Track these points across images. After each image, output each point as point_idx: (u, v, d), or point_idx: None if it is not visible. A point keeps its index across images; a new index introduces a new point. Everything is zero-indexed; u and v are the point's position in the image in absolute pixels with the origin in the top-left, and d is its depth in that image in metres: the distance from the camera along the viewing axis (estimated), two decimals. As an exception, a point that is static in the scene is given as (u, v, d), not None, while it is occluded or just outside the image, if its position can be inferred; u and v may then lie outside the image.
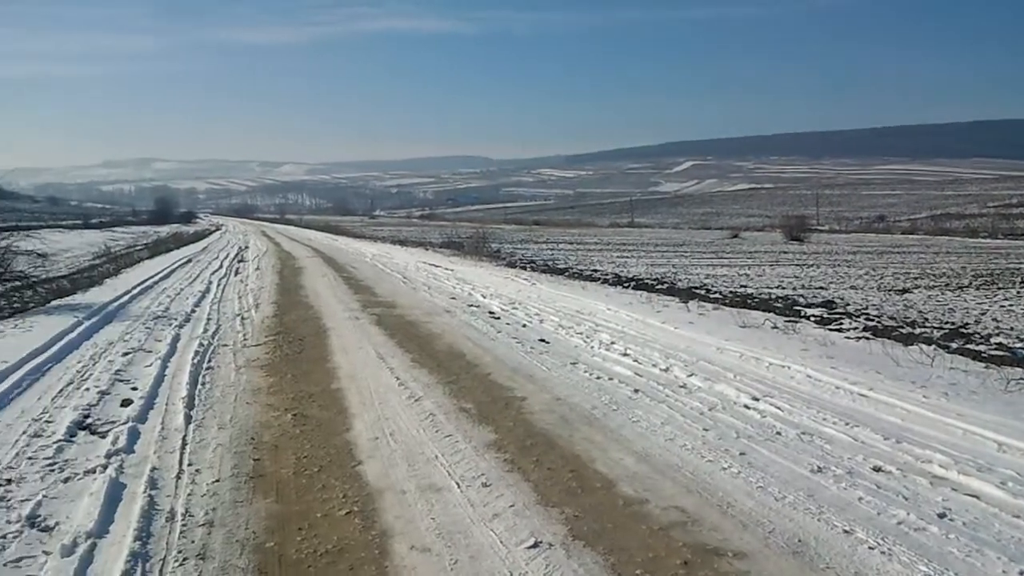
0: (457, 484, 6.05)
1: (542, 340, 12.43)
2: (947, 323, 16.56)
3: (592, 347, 11.76)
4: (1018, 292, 24.37)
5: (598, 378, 9.64)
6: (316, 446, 7.10)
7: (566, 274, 27.77)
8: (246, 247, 42.63)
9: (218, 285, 21.23)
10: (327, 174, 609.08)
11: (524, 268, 30.37)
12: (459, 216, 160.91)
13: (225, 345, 12.18)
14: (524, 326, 13.99)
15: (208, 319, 14.86)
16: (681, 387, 9.16)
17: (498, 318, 14.96)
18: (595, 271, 29.15)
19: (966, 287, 25.92)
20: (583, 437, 7.25)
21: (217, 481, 6.23)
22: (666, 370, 10.05)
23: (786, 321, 14.97)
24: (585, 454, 6.76)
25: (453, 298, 18.33)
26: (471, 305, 16.96)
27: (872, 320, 16.22)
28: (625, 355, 11.07)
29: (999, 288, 25.72)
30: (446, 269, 27.31)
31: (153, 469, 6.41)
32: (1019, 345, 13.55)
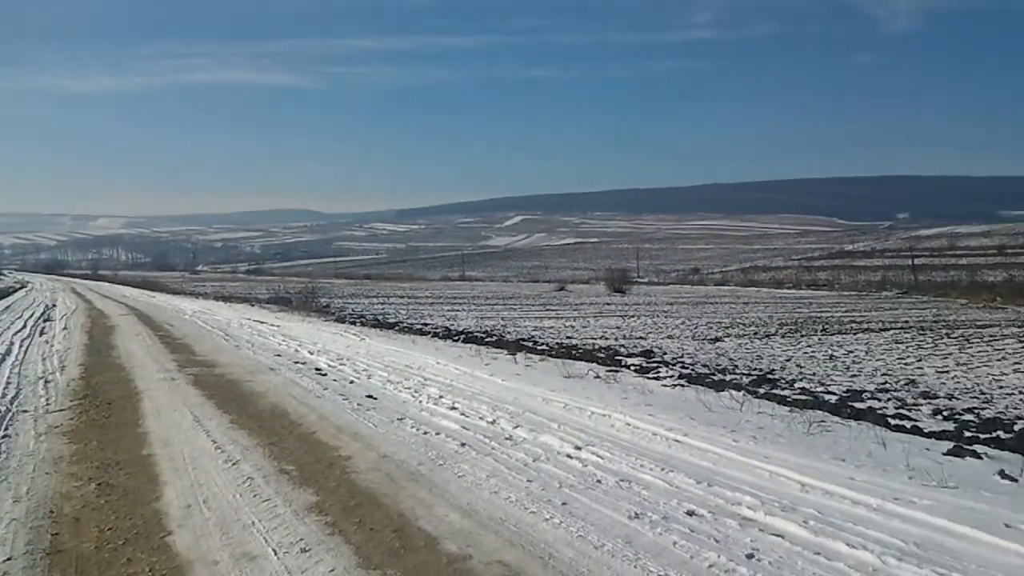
0: (274, 551, 5.81)
1: (370, 396, 12.23)
2: (755, 369, 17.58)
3: (420, 402, 11.68)
4: (819, 339, 26.24)
5: (425, 433, 9.57)
6: (122, 517, 6.64)
7: (396, 328, 27.61)
8: (53, 305, 39.83)
9: (20, 346, 19.67)
10: (147, 227, 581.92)
11: (354, 323, 29.97)
12: (288, 271, 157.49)
13: (25, 411, 11.26)
14: (352, 382, 13.74)
15: (7, 383, 13.72)
16: (507, 439, 9.22)
17: (325, 375, 14.63)
18: (426, 325, 29.14)
19: (773, 335, 27.68)
20: (409, 495, 7.14)
21: (9, 559, 5.71)
22: (493, 422, 10.10)
23: (608, 371, 15.43)
24: (410, 512, 6.66)
25: (278, 355, 17.80)
26: (297, 362, 16.52)
27: (687, 368, 17.00)
28: (453, 408, 11.06)
29: (802, 336, 27.61)
30: (272, 325, 26.53)
31: (-69, 552, 5.80)
32: (820, 389, 14.54)
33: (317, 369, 15.39)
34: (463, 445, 8.91)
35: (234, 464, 8.26)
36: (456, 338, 23.53)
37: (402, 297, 57.25)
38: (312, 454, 8.67)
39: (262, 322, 28.05)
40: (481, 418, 10.38)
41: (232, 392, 12.90)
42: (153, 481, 7.71)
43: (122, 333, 23.96)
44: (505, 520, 6.38)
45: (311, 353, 17.98)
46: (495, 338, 23.46)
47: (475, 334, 24.79)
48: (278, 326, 26.26)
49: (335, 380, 13.97)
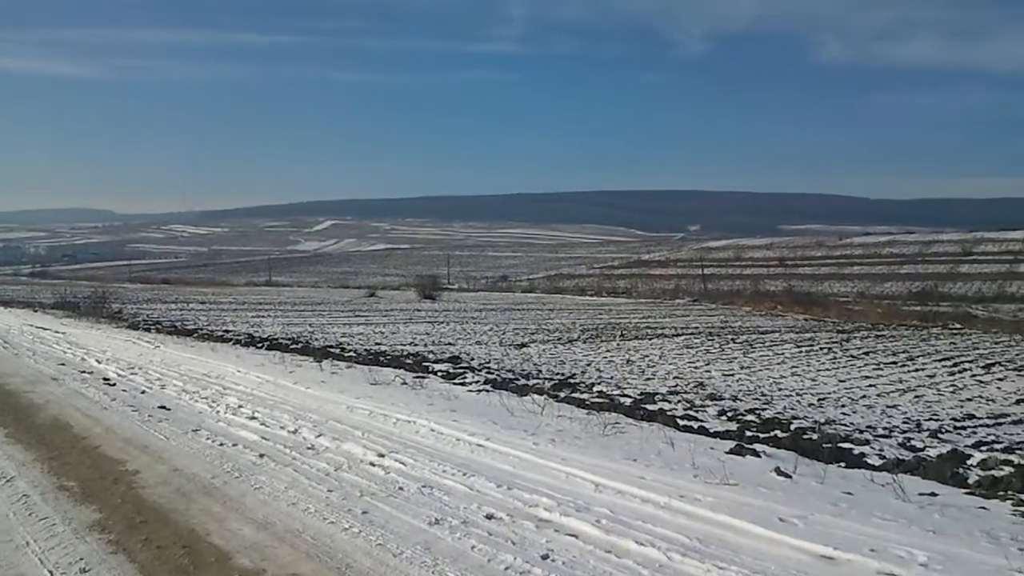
0: (50, 572, 5.41)
1: (163, 407, 11.64)
2: (558, 374, 18.13)
3: (218, 412, 11.24)
4: (618, 345, 27.38)
5: (221, 445, 9.20)
6: None
7: (195, 335, 26.44)
8: None
9: None
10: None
11: (148, 330, 28.51)
12: (77, 274, 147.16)
13: None
14: (143, 392, 13.04)
15: None
16: (309, 448, 9.03)
17: (114, 385, 13.79)
18: (227, 332, 28.08)
19: (575, 341, 28.64)
20: (201, 509, 6.84)
21: None
22: (295, 432, 9.87)
23: (415, 377, 15.44)
24: (201, 527, 6.38)
25: (63, 364, 16.62)
26: (84, 371, 15.48)
27: (493, 373, 17.29)
28: (253, 418, 10.72)
29: (602, 341, 28.73)
30: (57, 332, 24.73)
31: None
32: (617, 392, 15.17)
33: (105, 379, 14.49)
34: (262, 456, 8.64)
35: (8, 481, 7.65)
36: (260, 345, 22.81)
37: (203, 303, 54.85)
38: (96, 469, 8.15)
39: (46, 328, 26.11)
40: (282, 428, 10.12)
41: (9, 404, 11.96)
42: (-93, 504, 6.99)
43: None
44: (302, 532, 6.24)
45: (99, 362, 16.91)
46: (301, 345, 22.93)
47: (280, 341, 24.12)
48: (64, 333, 24.53)
49: (125, 390, 13.22)
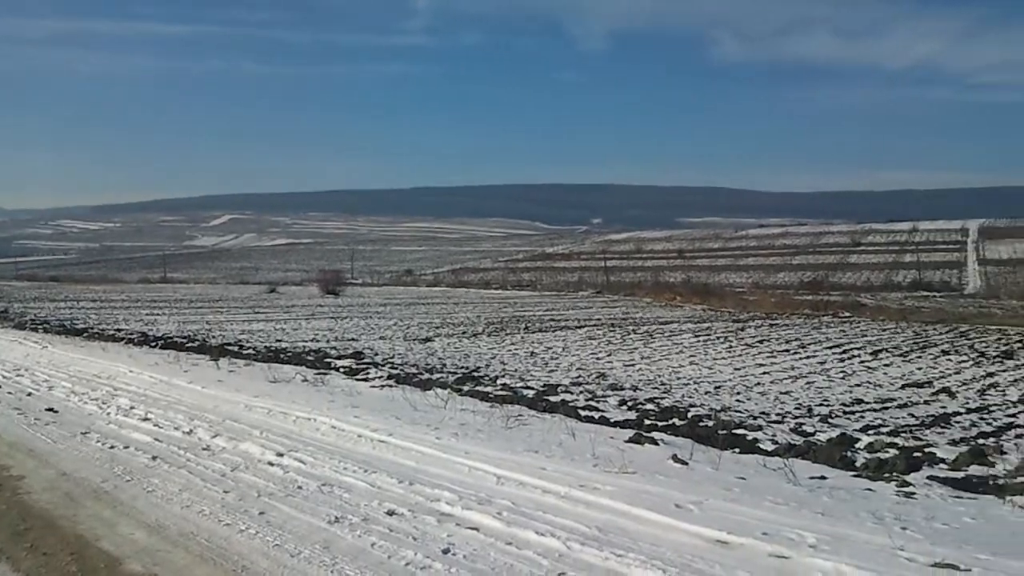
0: (-76, 588, 5.14)
1: (50, 409, 11.18)
2: (463, 367, 18.16)
3: (109, 413, 10.87)
4: (522, 337, 27.59)
5: (112, 447, 8.90)
6: None
7: (85, 335, 25.49)
8: None
9: None
10: None
11: (36, 329, 27.40)
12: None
13: None
14: (30, 395, 12.54)
15: None
16: (204, 449, 8.81)
17: (-3, 387, 13.18)
18: (120, 330, 27.16)
19: (480, 334, 28.72)
20: (90, 514, 6.60)
21: None
22: (189, 432, 9.62)
23: (316, 374, 15.22)
24: (90, 533, 6.15)
25: (-62, 367, 15.78)
26: (-39, 374, 14.73)
27: (397, 368, 17.19)
28: (146, 420, 10.41)
29: (507, 334, 28.89)
30: (-68, 333, 23.46)
31: None
32: (520, 384, 15.28)
33: (-13, 382, 13.83)
34: (155, 458, 8.39)
35: None
36: (154, 344, 22.13)
37: (94, 301, 52.84)
38: (-24, 477, 7.77)
39: (-81, 330, 24.75)
40: (177, 428, 9.85)
41: None
42: None
43: None
44: (197, 534, 6.08)
45: (-20, 364, 16.12)
46: (197, 343, 22.33)
47: (176, 339, 23.45)
48: (-60, 334, 23.29)
49: (10, 393, 12.68)
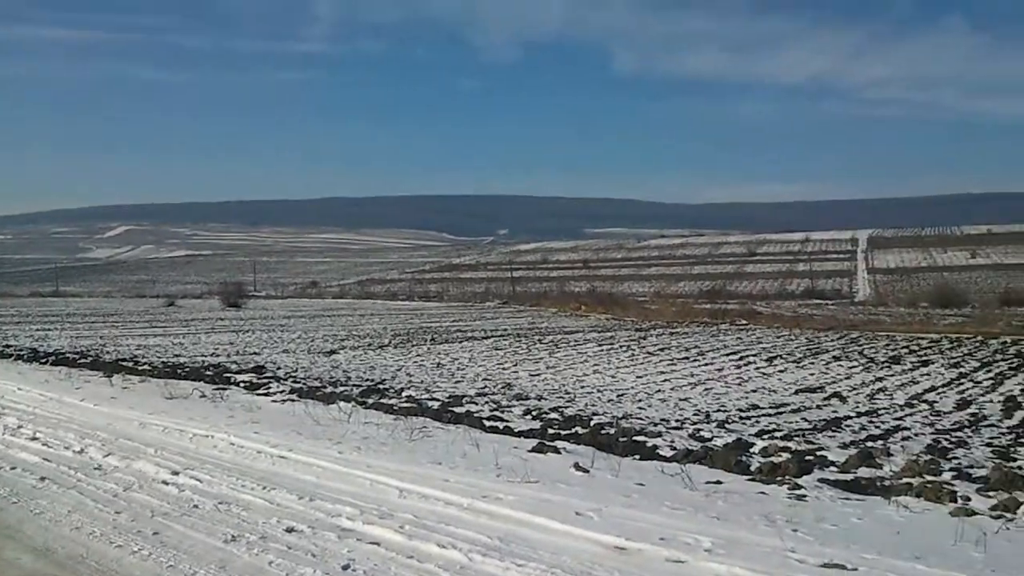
0: None
1: (-74, 432, 10.62)
2: (368, 380, 17.97)
3: (-8, 434, 10.38)
4: (428, 349, 27.50)
5: (-3, 469, 8.52)
6: None
7: (-33, 352, 24.24)
8: None
9: None
10: None
11: (-89, 347, 25.85)
12: None
13: None
14: (-97, 417, 11.84)
15: None
16: (96, 469, 8.51)
17: None
18: (8, 347, 25.98)
19: (386, 346, 28.51)
20: (-29, 540, 6.30)
21: None
22: (80, 452, 9.28)
23: (215, 389, 14.83)
24: (-30, 561, 5.87)
25: None
26: None
27: (300, 382, 16.89)
28: (34, 439, 10.03)
29: (413, 346, 28.76)
30: None
31: None
32: (426, 396, 15.21)
33: None
34: (43, 479, 8.08)
35: None
36: (44, 360, 21.22)
37: (-22, 316, 50.39)
38: None
39: None
40: (67, 448, 9.50)
41: None
42: None
43: None
44: (87, 557, 5.87)
45: None
46: (91, 359, 21.51)
47: (67, 355, 22.54)
48: None
49: None
